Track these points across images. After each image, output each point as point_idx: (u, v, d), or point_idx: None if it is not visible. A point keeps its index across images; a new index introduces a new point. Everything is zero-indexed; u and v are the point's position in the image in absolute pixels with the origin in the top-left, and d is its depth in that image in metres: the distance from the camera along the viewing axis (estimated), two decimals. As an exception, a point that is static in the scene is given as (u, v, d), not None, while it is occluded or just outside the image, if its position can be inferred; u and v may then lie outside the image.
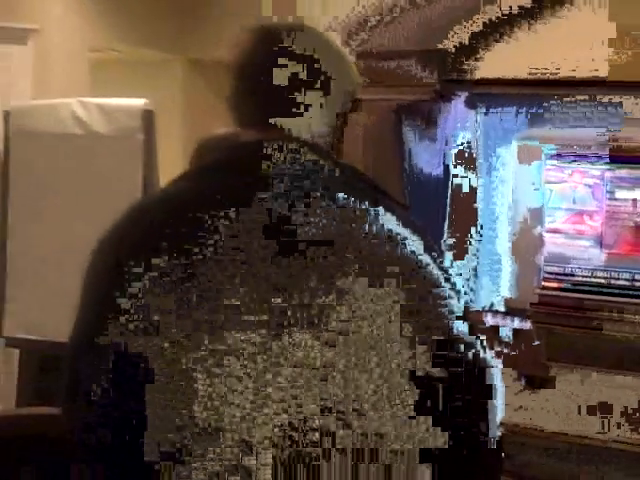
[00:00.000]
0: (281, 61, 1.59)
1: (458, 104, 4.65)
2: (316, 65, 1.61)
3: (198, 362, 1.41)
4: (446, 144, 4.67)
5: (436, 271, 1.50)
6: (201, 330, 1.42)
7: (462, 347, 1.46)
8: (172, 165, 4.08)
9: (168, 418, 1.41)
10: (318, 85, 1.61)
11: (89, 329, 1.53)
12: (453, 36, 4.49)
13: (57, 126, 4.25)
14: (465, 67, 4.50)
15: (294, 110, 1.60)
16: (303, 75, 1.60)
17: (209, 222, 1.46)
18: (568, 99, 4.45)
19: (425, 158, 4.62)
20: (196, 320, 1.42)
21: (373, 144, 4.21)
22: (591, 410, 4.30)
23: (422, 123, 4.63)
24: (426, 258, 1.50)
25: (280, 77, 1.59)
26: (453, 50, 4.46)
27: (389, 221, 1.49)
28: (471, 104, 4.71)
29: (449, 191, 4.65)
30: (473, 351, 1.47)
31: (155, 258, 1.46)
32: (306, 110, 1.60)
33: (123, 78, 5.58)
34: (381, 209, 1.50)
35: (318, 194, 1.48)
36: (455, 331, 1.47)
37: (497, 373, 1.51)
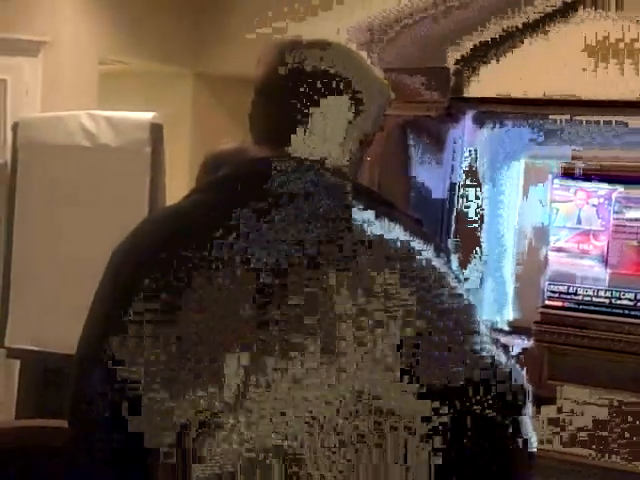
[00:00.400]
0: (306, 79, 1.55)
1: (466, 122, 4.67)
2: (343, 83, 1.56)
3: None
4: (453, 161, 4.68)
5: (455, 284, 1.48)
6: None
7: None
8: (179, 178, 4.11)
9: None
10: (346, 104, 1.56)
11: (95, 343, 1.52)
12: (457, 53, 4.51)
13: (65, 138, 4.25)
14: (469, 84, 4.51)
15: (319, 129, 1.55)
16: (330, 93, 1.55)
17: (219, 240, 1.45)
18: (576, 118, 4.46)
19: (431, 175, 4.63)
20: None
21: (379, 159, 4.22)
22: (590, 427, 4.30)
23: (429, 140, 4.64)
24: (444, 270, 1.47)
25: (302, 94, 1.55)
26: (457, 67, 4.48)
27: (404, 236, 1.46)
28: (479, 122, 4.73)
29: (455, 209, 4.66)
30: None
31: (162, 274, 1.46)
32: (331, 129, 1.56)
33: (132, 91, 5.60)
34: (397, 226, 1.47)
35: (331, 212, 1.46)
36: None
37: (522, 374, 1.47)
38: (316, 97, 1.55)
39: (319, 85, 1.55)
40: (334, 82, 1.56)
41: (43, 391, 4.07)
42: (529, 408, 1.44)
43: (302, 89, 1.55)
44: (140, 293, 1.47)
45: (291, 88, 1.55)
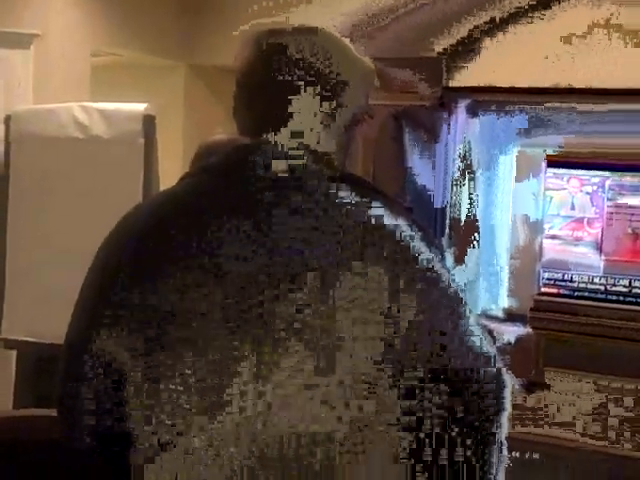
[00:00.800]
0: (286, 68, 1.52)
1: (459, 111, 4.67)
2: (323, 70, 1.53)
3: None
4: (446, 151, 4.68)
5: (443, 271, 1.47)
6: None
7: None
8: (172, 170, 4.10)
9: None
10: (328, 91, 1.54)
11: (83, 331, 1.53)
12: (448, 41, 4.51)
13: (58, 130, 4.25)
14: (461, 74, 4.52)
15: (302, 117, 1.53)
16: (311, 81, 1.52)
17: (212, 227, 1.44)
18: (568, 106, 4.47)
19: (425, 166, 4.63)
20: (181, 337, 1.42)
21: (373, 149, 4.22)
22: (586, 414, 4.31)
23: (422, 130, 4.64)
24: (432, 257, 1.46)
25: (286, 84, 1.52)
26: (448, 57, 4.48)
27: (392, 221, 1.45)
28: (472, 111, 4.73)
29: (449, 198, 4.67)
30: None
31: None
32: (314, 116, 1.53)
33: (124, 83, 5.59)
34: (383, 209, 1.46)
35: (317, 199, 1.45)
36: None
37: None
38: (296, 85, 1.52)
39: (298, 73, 1.52)
40: (314, 69, 1.53)
41: (39, 381, 4.07)
42: (506, 413, 1.44)
43: (281, 77, 1.53)
44: (126, 281, 1.48)
45: (269, 77, 1.53)
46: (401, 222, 1.46)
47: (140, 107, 4.19)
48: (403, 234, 1.45)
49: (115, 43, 5.40)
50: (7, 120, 4.42)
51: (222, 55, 5.64)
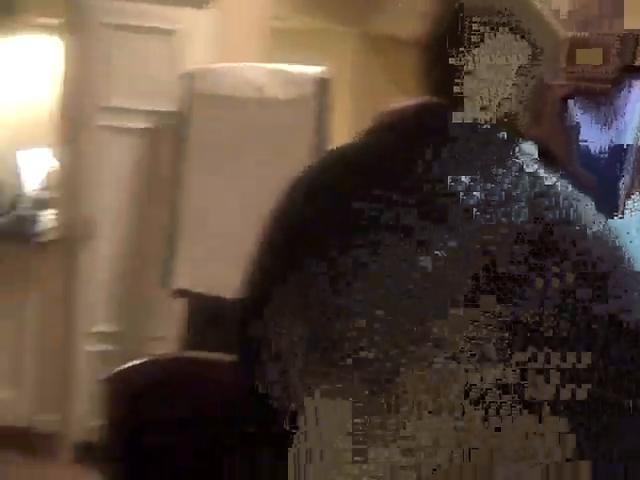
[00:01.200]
0: (469, 17, 1.43)
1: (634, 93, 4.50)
2: (514, 22, 1.44)
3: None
4: (623, 129, 4.53)
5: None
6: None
7: None
8: (340, 135, 4.12)
9: None
10: (518, 45, 1.44)
11: (258, 289, 1.52)
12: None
13: (234, 90, 4.33)
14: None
15: (486, 71, 1.43)
16: (502, 40, 1.43)
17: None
18: None
19: (599, 144, 4.49)
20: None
21: (541, 132, 4.12)
22: None
23: (598, 108, 4.50)
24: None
25: (468, 34, 1.43)
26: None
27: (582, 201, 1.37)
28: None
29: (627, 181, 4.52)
30: None
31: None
32: (502, 72, 1.44)
33: (300, 47, 5.64)
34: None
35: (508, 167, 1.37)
36: None
37: None
38: (483, 35, 1.43)
39: (486, 22, 1.43)
40: (504, 20, 1.44)
41: (205, 331, 4.19)
42: None
43: (467, 28, 1.44)
44: (306, 241, 1.45)
45: (453, 29, 1.45)
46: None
47: (315, 70, 4.21)
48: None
49: (297, 9, 5.43)
50: (185, 78, 4.53)
51: (397, 24, 5.63)
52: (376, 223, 1.36)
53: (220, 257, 4.13)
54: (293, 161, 4.00)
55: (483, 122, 1.43)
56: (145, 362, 2.18)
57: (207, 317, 4.25)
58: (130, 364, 2.14)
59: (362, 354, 1.32)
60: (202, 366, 2.04)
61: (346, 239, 1.38)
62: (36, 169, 5.53)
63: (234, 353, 1.60)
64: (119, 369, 2.13)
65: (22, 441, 4.90)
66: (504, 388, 1.25)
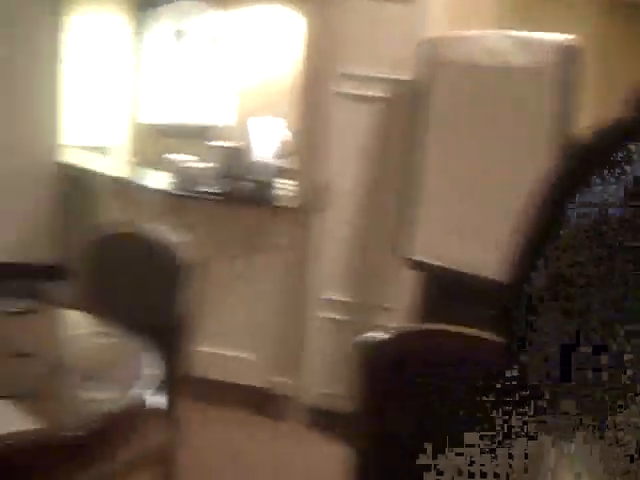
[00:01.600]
0: None
1: None
2: None
3: None
4: None
5: None
6: None
7: None
8: (586, 107, 3.94)
9: None
10: None
11: (519, 271, 1.42)
12: None
13: (475, 57, 4.25)
14: None
15: None
16: None
17: None
18: None
19: None
20: None
21: None
22: None
23: None
24: None
25: None
26: None
27: None
28: None
29: None
30: None
31: None
32: None
33: (540, 14, 5.46)
34: None
35: None
36: None
37: None
38: None
39: None
40: None
41: (440, 304, 4.18)
42: None
43: None
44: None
45: None
46: None
47: (560, 37, 4.04)
48: None
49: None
50: (426, 45, 4.50)
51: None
52: None
53: (458, 232, 4.08)
54: (536, 131, 3.90)
55: None
56: (404, 332, 2.17)
57: (443, 290, 4.22)
58: (388, 333, 2.12)
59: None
60: (460, 340, 2.01)
61: None
62: (269, 137, 5.65)
63: (478, 329, 1.57)
64: (378, 338, 2.11)
65: (258, 400, 5.07)
66: None
